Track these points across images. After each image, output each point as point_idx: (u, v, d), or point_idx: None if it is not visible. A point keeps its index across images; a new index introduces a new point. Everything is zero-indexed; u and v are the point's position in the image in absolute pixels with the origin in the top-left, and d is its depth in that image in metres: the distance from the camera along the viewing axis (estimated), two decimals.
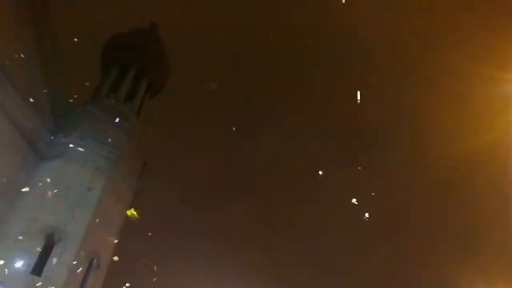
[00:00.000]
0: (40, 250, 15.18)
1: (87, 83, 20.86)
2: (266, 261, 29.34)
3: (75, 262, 15.47)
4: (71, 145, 17.40)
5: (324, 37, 29.51)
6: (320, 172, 18.30)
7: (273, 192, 31.10)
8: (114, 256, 17.46)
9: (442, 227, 28.77)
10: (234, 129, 29.91)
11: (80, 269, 15.83)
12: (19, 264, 14.62)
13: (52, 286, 14.68)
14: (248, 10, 29.00)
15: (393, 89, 28.19)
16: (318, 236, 30.29)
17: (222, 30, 29.99)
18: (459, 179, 26.29)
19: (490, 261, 23.11)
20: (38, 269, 14.91)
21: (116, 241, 18.00)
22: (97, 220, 16.68)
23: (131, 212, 16.64)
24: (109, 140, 18.14)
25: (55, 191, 16.25)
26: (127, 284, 15.79)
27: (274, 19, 29.66)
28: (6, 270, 14.35)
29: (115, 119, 18.97)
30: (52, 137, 17.76)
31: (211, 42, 30.27)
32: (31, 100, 16.71)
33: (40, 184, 16.43)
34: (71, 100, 18.74)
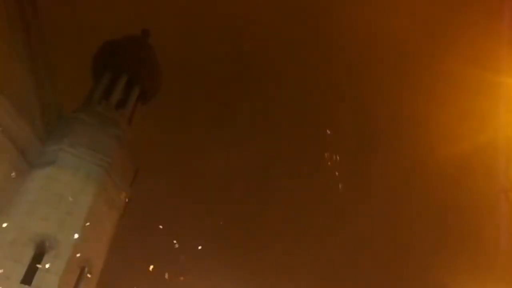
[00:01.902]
0: (31, 258, 15.01)
1: (79, 90, 20.83)
2: (266, 263, 29.23)
3: (66, 271, 15.33)
4: (62, 153, 17.30)
5: (319, 40, 29.64)
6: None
7: (272, 193, 31.05)
8: (106, 263, 17.35)
9: (431, 228, 28.79)
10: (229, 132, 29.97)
11: (71, 277, 15.72)
12: (8, 273, 14.49)
13: None
14: (243, 16, 29.08)
15: (388, 92, 28.30)
16: (318, 239, 30.25)
17: (215, 36, 30.08)
18: (450, 180, 26.35)
19: (479, 261, 23.11)
20: (28, 278, 14.73)
21: (108, 248, 17.90)
22: (89, 228, 16.54)
23: None
24: (101, 147, 18.07)
25: (46, 199, 16.20)
26: None
27: (268, 25, 29.75)
28: None
29: (107, 126, 18.98)
30: (43, 145, 17.64)
31: (204, 48, 30.33)
32: (21, 107, 16.64)
33: (31, 192, 16.33)
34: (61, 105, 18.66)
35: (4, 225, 15.27)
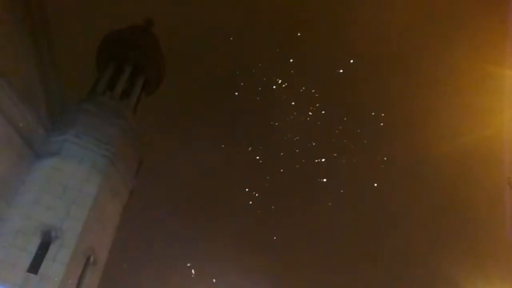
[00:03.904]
0: (36, 248, 15.11)
1: (83, 80, 20.83)
2: (269, 262, 29.32)
3: (72, 260, 15.45)
4: (67, 143, 17.36)
5: (325, 32, 29.50)
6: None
7: (275, 189, 31.09)
8: (110, 253, 17.49)
9: (440, 225, 28.81)
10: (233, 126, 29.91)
11: (77, 266, 15.85)
12: (15, 261, 14.62)
13: (49, 284, 14.66)
14: (248, 8, 28.94)
15: (391, 87, 28.21)
16: (319, 236, 30.31)
17: (219, 25, 29.94)
18: (456, 175, 26.33)
19: (489, 260, 23.15)
20: (34, 267, 14.83)
21: (112, 238, 18.03)
22: (94, 217, 16.65)
23: None
24: (106, 137, 18.11)
25: (51, 189, 16.29)
26: None
27: (272, 16, 29.58)
28: (2, 268, 14.35)
29: (112, 116, 18.99)
30: (48, 135, 17.69)
31: (209, 38, 30.22)
32: (26, 97, 16.68)
33: (36, 181, 16.42)
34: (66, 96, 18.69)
35: (10, 215, 15.45)
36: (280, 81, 30.70)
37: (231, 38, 30.16)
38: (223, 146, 30.84)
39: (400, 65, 27.40)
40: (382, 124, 29.31)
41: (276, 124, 30.89)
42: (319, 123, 30.97)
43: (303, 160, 30.75)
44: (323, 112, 30.90)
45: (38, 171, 16.78)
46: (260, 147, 30.42)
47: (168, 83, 23.82)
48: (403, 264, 28.30)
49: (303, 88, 30.87)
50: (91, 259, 16.53)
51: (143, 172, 20.63)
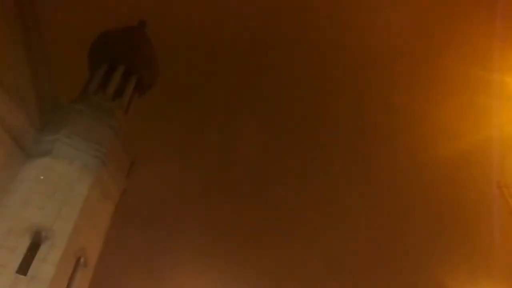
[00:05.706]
0: (26, 248, 14.94)
1: (75, 80, 20.75)
2: (264, 261, 29.34)
3: (62, 260, 15.32)
4: (58, 143, 17.24)
5: (319, 37, 29.65)
6: None
7: (270, 188, 31.14)
8: (101, 254, 17.39)
9: (430, 228, 29.01)
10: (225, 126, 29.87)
11: (67, 267, 15.73)
12: (4, 262, 14.46)
13: (38, 286, 14.50)
14: (240, 9, 28.98)
15: (385, 90, 28.39)
16: (317, 237, 30.38)
17: (212, 26, 29.95)
18: (446, 178, 26.52)
19: (477, 262, 23.37)
20: (23, 268, 14.67)
21: (103, 239, 17.93)
22: (85, 218, 16.54)
23: None
24: (97, 138, 18.01)
25: (42, 189, 16.16)
26: None
27: (266, 16, 29.66)
28: None
29: (103, 116, 18.90)
30: (38, 134, 17.55)
31: (201, 39, 30.20)
32: (17, 96, 16.55)
33: (27, 182, 16.28)
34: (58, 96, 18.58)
35: (0, 215, 15.30)
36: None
37: (226, 37, 30.20)
38: (215, 145, 30.87)
39: (393, 70, 27.58)
40: (374, 128, 29.50)
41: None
42: (306, 123, 31.18)
43: (295, 158, 30.86)
44: (313, 114, 31.04)
45: (28, 170, 16.64)
46: (254, 145, 30.41)
47: (161, 83, 23.78)
48: (390, 264, 28.47)
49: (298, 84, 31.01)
50: (82, 260, 16.41)
51: (135, 172, 20.54)
